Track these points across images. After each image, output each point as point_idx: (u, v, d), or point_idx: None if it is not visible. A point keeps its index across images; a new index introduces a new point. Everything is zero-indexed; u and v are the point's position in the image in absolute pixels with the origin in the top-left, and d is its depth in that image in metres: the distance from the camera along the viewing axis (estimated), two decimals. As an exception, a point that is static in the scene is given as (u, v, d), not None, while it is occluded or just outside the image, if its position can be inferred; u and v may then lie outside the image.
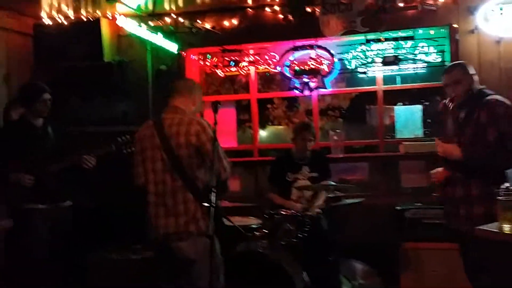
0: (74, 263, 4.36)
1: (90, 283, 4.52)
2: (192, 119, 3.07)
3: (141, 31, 5.01)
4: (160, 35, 5.11)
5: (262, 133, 6.41)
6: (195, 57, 5.57)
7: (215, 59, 5.50)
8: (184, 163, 3.01)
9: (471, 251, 3.24)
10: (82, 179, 4.21)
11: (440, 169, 3.55)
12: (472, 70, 3.47)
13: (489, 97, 3.31)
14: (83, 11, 5.48)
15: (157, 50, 5.28)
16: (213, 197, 2.58)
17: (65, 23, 5.36)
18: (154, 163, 3.08)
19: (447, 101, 3.52)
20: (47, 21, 5.43)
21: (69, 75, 5.25)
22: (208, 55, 5.50)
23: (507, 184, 2.72)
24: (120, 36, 5.33)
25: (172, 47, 5.20)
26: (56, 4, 5.52)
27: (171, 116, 3.10)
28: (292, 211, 4.12)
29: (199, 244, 2.91)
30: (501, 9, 4.57)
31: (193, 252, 2.99)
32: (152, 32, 5.07)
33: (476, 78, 3.46)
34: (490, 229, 2.66)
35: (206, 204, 2.61)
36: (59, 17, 5.42)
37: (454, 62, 3.99)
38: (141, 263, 4.40)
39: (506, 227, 2.59)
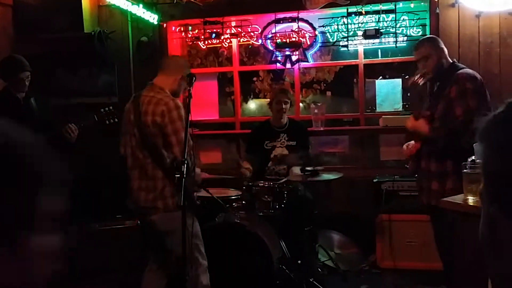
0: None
1: (74, 252, 4.58)
2: (161, 99, 3.08)
3: (121, 1, 4.94)
4: (140, 6, 5.05)
5: (248, 106, 6.42)
6: (176, 29, 5.53)
7: (196, 31, 5.45)
8: (152, 141, 3.07)
9: (439, 222, 3.32)
10: (64, 151, 4.25)
11: (412, 142, 3.60)
12: (441, 44, 3.47)
13: (460, 71, 3.31)
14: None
15: (138, 21, 5.22)
16: (184, 169, 2.62)
17: (45, -7, 5.28)
18: (130, 138, 3.17)
19: (415, 78, 3.47)
20: (26, -9, 5.34)
21: (50, 46, 5.22)
22: (189, 27, 5.45)
23: (473, 157, 2.79)
24: (100, 6, 5.26)
25: (152, 18, 5.16)
26: (35, -26, 5.43)
27: (147, 94, 3.16)
28: (270, 183, 4.16)
29: (169, 218, 2.98)
30: (481, -18, 4.56)
31: (163, 225, 3.08)
32: (132, 3, 5.01)
33: (446, 51, 3.45)
34: (456, 201, 2.74)
35: (177, 175, 2.64)
36: (38, -13, 5.34)
37: (422, 38, 3.96)
38: (124, 232, 4.48)
39: (470, 199, 2.65)
